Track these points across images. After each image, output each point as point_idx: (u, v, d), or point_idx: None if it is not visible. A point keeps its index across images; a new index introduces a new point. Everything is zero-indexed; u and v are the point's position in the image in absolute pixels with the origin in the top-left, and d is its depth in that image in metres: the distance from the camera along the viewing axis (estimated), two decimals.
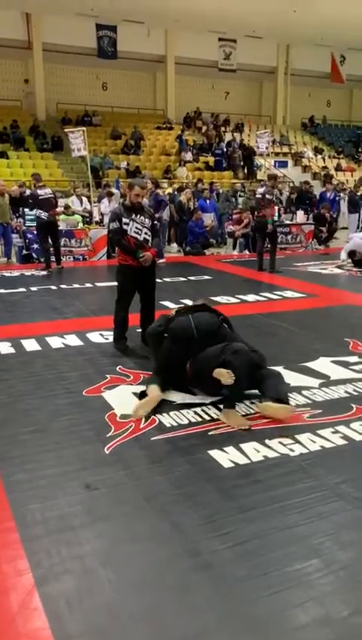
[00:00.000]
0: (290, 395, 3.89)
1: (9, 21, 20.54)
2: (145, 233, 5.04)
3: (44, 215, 9.55)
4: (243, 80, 26.52)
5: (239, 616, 1.95)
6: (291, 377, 4.25)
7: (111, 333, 5.23)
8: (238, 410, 3.61)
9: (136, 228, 5.00)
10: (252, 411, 3.63)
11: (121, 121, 23.16)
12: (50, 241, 9.87)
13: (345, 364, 4.60)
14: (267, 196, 9.45)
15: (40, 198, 9.62)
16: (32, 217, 10.93)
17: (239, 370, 3.52)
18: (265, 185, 9.90)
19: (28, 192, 14.06)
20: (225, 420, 3.47)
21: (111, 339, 5.22)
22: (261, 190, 9.83)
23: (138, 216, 5.02)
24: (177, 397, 3.87)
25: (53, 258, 10.10)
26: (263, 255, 9.67)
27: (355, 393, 3.97)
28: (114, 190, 14.13)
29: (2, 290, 7.99)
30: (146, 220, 5.07)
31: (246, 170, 21.75)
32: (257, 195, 9.96)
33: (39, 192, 9.73)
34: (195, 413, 3.62)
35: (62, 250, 10.54)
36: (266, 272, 9.43)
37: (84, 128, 13.42)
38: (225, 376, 3.47)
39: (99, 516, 2.53)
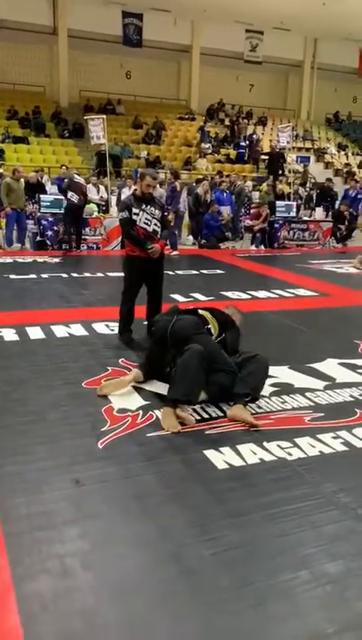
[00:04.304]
0: (292, 396, 3.80)
1: (35, 7, 20.50)
2: (155, 224, 4.95)
3: (75, 198, 10.04)
4: (269, 73, 26.19)
5: (219, 628, 1.86)
6: (295, 378, 4.15)
7: (117, 324, 5.15)
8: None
9: (146, 219, 4.91)
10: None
11: (143, 111, 23.04)
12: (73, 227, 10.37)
13: (353, 367, 4.48)
14: None
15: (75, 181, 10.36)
16: (48, 204, 10.90)
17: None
18: None
19: (45, 178, 14.12)
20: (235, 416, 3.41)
21: (116, 330, 5.16)
22: None
23: (148, 206, 4.93)
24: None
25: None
26: None
27: (360, 398, 3.84)
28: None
29: (13, 276, 7.96)
30: (156, 211, 4.98)
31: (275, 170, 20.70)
32: None
33: (76, 176, 10.64)
34: (194, 410, 3.52)
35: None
36: None
37: (104, 116, 13.34)
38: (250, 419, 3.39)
39: (84, 514, 2.46)
